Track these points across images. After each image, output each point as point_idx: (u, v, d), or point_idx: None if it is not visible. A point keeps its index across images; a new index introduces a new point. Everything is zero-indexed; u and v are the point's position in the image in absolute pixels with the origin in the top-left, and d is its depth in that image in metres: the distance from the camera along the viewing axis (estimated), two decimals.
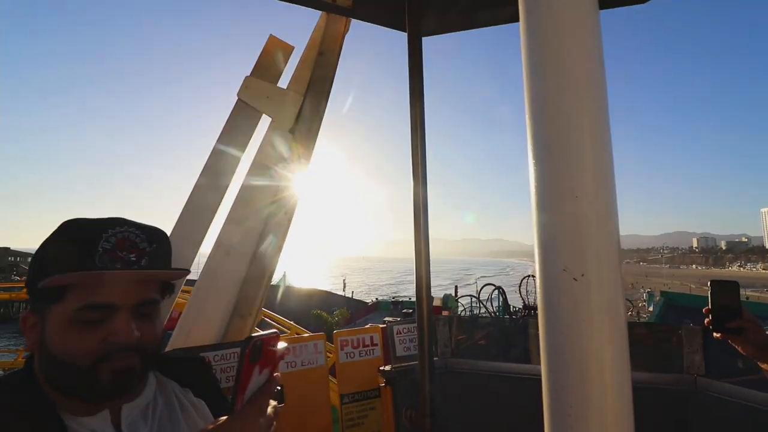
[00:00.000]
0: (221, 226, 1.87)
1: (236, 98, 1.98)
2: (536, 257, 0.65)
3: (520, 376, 1.76)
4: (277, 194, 1.94)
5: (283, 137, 2.00)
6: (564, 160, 0.62)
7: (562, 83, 0.65)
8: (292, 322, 8.36)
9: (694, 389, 1.55)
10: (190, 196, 1.84)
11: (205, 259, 1.86)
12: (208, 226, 1.85)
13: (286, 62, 2.12)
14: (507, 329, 2.05)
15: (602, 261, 0.58)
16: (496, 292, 13.44)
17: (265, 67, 2.06)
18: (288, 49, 2.13)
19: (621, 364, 0.57)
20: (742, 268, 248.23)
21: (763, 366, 1.07)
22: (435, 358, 1.87)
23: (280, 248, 1.92)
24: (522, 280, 14.03)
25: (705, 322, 1.19)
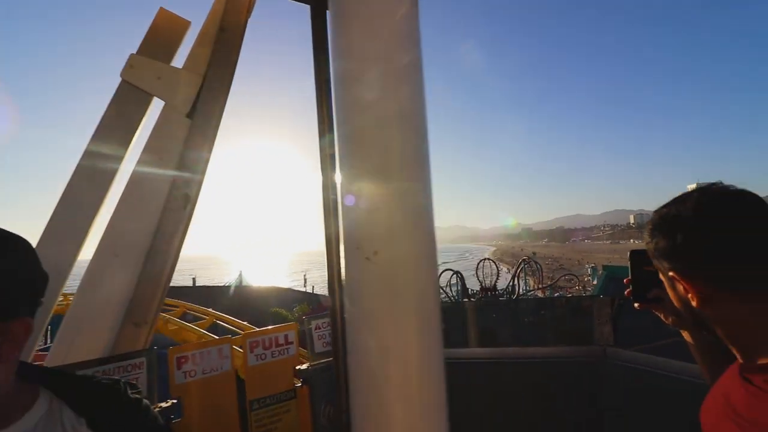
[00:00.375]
0: (107, 223, 1.66)
1: (120, 80, 1.76)
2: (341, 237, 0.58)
3: (458, 361, 1.72)
4: (174, 185, 1.75)
5: (180, 122, 1.80)
6: (364, 145, 0.57)
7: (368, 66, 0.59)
8: (245, 323, 8.04)
9: (603, 359, 1.58)
10: (65, 191, 1.61)
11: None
12: (90, 225, 1.63)
13: (180, 39, 1.91)
14: (444, 313, 2.01)
15: (398, 240, 0.52)
16: (455, 277, 13.75)
17: (155, 45, 1.84)
18: (182, 25, 1.92)
19: (423, 340, 0.52)
20: None
21: (684, 333, 1.06)
22: None
23: (179, 245, 1.73)
24: (478, 264, 14.45)
25: (626, 292, 1.17)
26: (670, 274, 0.75)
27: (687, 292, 0.72)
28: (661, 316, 1.05)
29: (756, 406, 0.63)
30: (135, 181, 1.71)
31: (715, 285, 0.69)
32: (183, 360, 1.61)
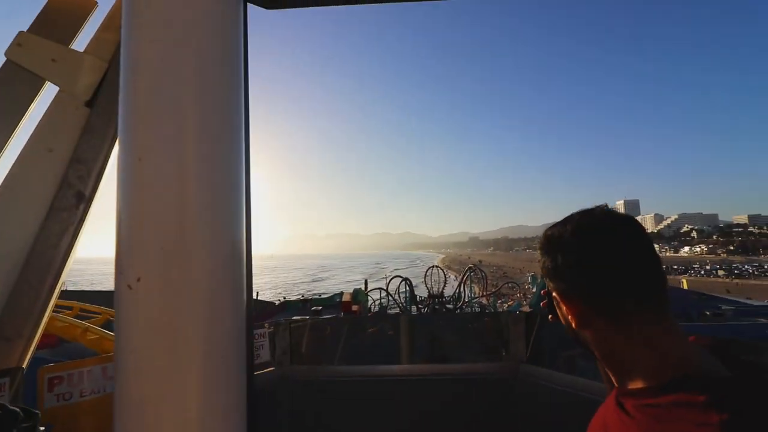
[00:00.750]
0: None
1: (4, 58, 1.54)
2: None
3: (366, 379, 1.65)
4: (66, 182, 1.55)
5: (77, 111, 1.60)
6: (138, 157, 0.50)
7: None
8: None
9: (516, 376, 1.60)
10: None
11: None
12: None
13: (83, 20, 1.71)
14: (345, 328, 1.92)
15: (161, 266, 0.45)
16: (404, 284, 13.82)
17: (51, 24, 1.63)
18: (87, 5, 1.72)
19: (185, 365, 0.45)
20: None
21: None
22: (270, 369, 1.67)
23: (68, 249, 1.53)
24: (427, 271, 14.66)
25: (542, 304, 1.17)
26: (554, 294, 0.75)
27: (568, 313, 0.71)
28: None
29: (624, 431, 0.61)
30: (15, 175, 1.50)
31: (592, 309, 0.68)
32: (56, 381, 1.40)
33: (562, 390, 1.44)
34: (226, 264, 0.54)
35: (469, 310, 13.56)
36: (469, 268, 15.31)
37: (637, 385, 0.65)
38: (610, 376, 0.72)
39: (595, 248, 0.68)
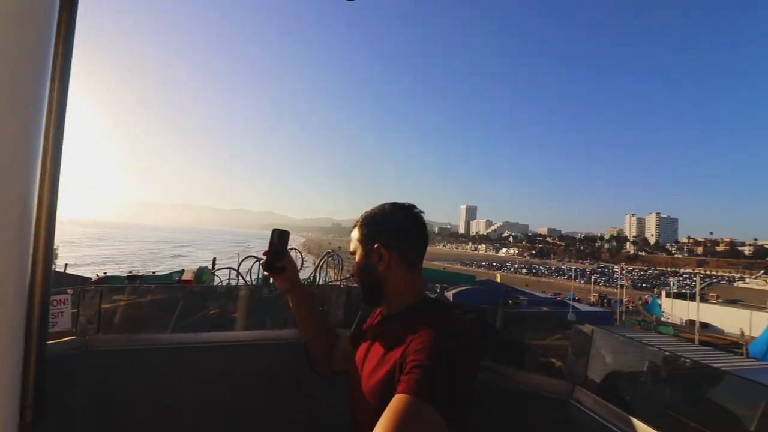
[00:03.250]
0: None
1: None
2: None
3: (183, 346, 1.56)
4: None
5: None
6: None
7: None
8: None
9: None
10: None
11: None
12: None
13: None
14: (179, 296, 1.80)
15: None
16: (258, 264, 13.26)
17: None
18: None
19: None
20: (445, 247, 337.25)
21: (289, 296, 1.37)
22: (70, 338, 1.44)
23: None
24: None
25: (261, 262, 1.42)
26: (376, 246, 1.09)
27: (380, 259, 1.08)
28: (278, 283, 1.38)
29: (404, 334, 0.98)
30: None
31: (398, 257, 1.09)
32: None
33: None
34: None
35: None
36: (327, 252, 15.66)
37: (403, 305, 1.09)
38: (384, 304, 1.13)
39: (400, 220, 1.12)
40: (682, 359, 1.05)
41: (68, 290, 1.49)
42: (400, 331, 0.99)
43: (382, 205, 1.16)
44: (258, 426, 1.64)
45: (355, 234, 1.16)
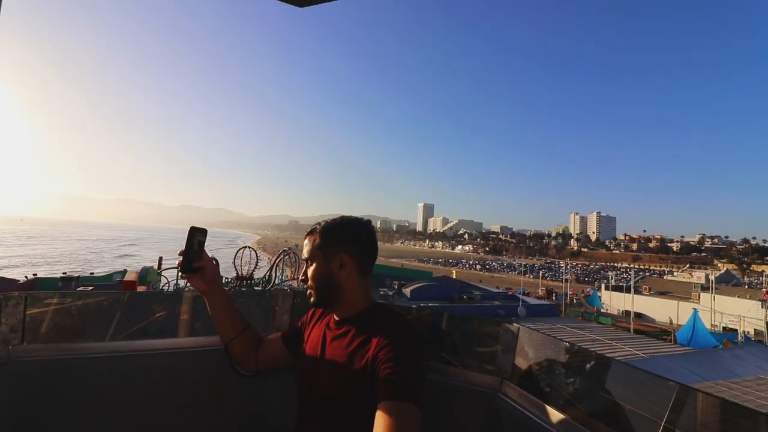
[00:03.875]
0: None
1: None
2: None
3: (121, 354, 1.49)
4: None
5: None
6: None
7: None
8: None
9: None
10: None
11: None
12: None
13: None
14: (120, 299, 1.73)
15: None
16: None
17: None
18: None
19: None
20: (403, 244, 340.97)
21: (207, 299, 1.36)
22: None
23: None
24: (237, 252, 13.88)
25: (177, 264, 1.34)
26: (339, 253, 1.18)
27: (342, 267, 1.18)
28: (195, 285, 1.33)
29: (367, 336, 1.12)
30: None
31: (357, 265, 1.20)
32: None
33: None
34: None
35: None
36: (283, 250, 15.29)
37: (357, 309, 1.20)
38: (336, 309, 1.22)
39: (360, 232, 1.23)
40: (588, 351, 1.19)
41: None
42: (361, 333, 1.14)
43: (341, 217, 1.26)
44: None
45: (315, 241, 1.22)
